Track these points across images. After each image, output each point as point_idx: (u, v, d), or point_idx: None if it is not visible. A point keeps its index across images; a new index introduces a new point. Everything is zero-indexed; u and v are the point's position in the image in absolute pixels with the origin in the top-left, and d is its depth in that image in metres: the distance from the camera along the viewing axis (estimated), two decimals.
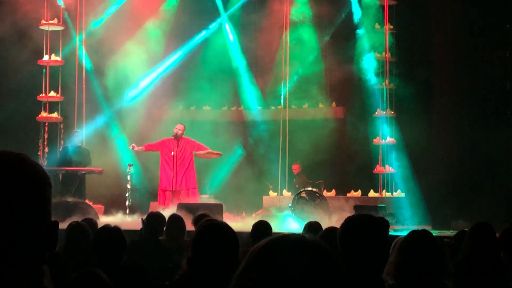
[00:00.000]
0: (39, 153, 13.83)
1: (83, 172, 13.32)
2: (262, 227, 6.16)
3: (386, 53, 14.36)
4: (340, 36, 15.81)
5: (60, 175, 13.19)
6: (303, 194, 12.89)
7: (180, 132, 13.63)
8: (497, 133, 13.67)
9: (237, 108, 17.04)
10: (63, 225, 5.33)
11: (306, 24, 15.94)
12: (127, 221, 11.42)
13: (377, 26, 14.59)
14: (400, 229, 11.15)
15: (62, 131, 14.47)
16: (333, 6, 15.89)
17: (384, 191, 13.98)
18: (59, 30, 14.29)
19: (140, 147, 13.54)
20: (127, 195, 13.34)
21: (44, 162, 13.64)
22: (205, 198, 14.66)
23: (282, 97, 15.37)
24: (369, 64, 14.82)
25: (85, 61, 15.04)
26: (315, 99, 16.42)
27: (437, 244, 3.26)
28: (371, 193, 13.97)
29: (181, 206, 11.89)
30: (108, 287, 3.36)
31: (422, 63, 15.15)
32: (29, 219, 1.41)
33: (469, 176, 14.41)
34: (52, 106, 14.32)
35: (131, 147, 13.53)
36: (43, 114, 14.11)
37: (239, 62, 16.49)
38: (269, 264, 1.28)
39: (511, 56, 12.95)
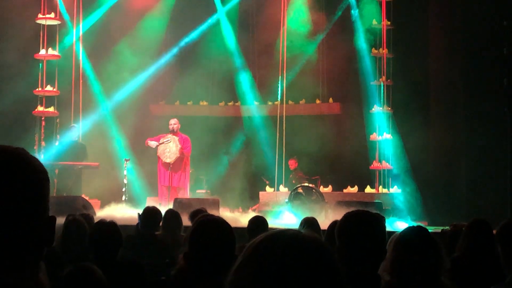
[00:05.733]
0: (35, 148, 13.79)
1: (80, 167, 13.31)
2: (258, 223, 6.17)
3: (383, 49, 14.36)
4: (337, 32, 15.80)
5: (57, 170, 13.17)
6: (300, 190, 12.89)
7: (176, 126, 13.70)
8: (494, 130, 13.70)
9: (234, 103, 17.04)
10: (59, 220, 5.32)
11: (303, 20, 15.92)
12: (124, 216, 11.41)
13: (374, 22, 14.58)
14: (396, 226, 11.16)
15: (58, 125, 14.44)
16: (331, 1, 15.89)
17: (380, 187, 14.00)
18: (56, 24, 14.25)
19: (153, 143, 13.61)
20: (123, 190, 13.35)
21: (40, 157, 13.61)
22: (202, 194, 14.68)
23: (279, 92, 15.36)
24: (366, 60, 14.82)
25: (82, 55, 15.02)
26: (312, 95, 16.42)
27: (433, 240, 3.26)
28: (368, 189, 13.98)
29: (177, 201, 11.90)
30: (102, 281, 3.36)
31: (419, 59, 15.15)
32: (27, 214, 1.41)
33: (466, 172, 14.44)
34: (49, 101, 14.30)
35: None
36: (40, 108, 14.08)
37: (236, 57, 16.47)
38: (265, 259, 1.28)
39: (508, 53, 12.95)
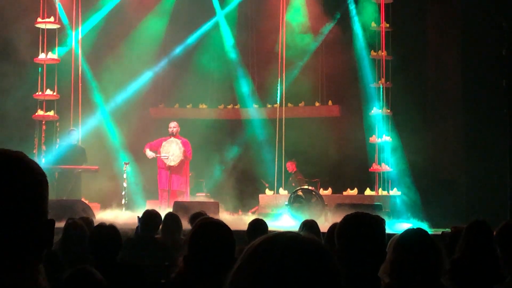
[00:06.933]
0: (35, 151, 13.79)
1: (79, 170, 13.31)
2: (258, 225, 6.17)
3: (382, 52, 14.36)
4: (336, 35, 15.81)
5: (56, 173, 13.18)
6: (300, 193, 12.89)
7: (175, 129, 13.71)
8: (493, 131, 13.70)
9: (233, 106, 17.04)
10: (59, 224, 5.33)
11: (302, 23, 15.93)
12: (123, 219, 11.42)
13: (373, 24, 14.59)
14: (396, 228, 11.16)
15: (58, 129, 14.44)
16: (329, 4, 15.89)
17: (380, 189, 13.99)
18: (55, 28, 14.26)
19: (150, 154, 13.65)
20: (123, 193, 13.35)
21: (41, 160, 13.61)
22: (202, 197, 14.68)
23: (278, 95, 15.37)
24: (365, 62, 14.83)
25: (81, 59, 15.02)
26: (311, 97, 16.43)
27: (433, 241, 3.26)
28: (368, 192, 13.98)
29: (177, 204, 11.90)
30: (101, 284, 3.36)
31: (418, 61, 15.17)
32: (26, 217, 1.41)
33: (465, 173, 14.44)
34: (49, 105, 14.31)
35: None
36: (40, 112, 14.09)
37: (235, 60, 16.48)
38: (265, 261, 1.28)
39: (507, 54, 12.95)
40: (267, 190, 14.65)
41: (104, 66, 15.61)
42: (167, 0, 16.43)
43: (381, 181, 14.06)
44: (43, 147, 14.00)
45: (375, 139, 14.35)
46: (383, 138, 14.21)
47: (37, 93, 14.08)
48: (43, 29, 14.08)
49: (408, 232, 3.41)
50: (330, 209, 12.23)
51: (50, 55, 14.10)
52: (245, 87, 16.56)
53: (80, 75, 14.85)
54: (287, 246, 1.31)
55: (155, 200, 14.08)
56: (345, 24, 15.45)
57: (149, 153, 13.70)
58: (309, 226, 6.16)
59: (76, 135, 13.95)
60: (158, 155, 13.57)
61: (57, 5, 14.50)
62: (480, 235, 4.69)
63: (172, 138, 13.65)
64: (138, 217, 6.81)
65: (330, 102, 16.32)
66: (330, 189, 14.27)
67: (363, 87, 14.96)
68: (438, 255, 3.22)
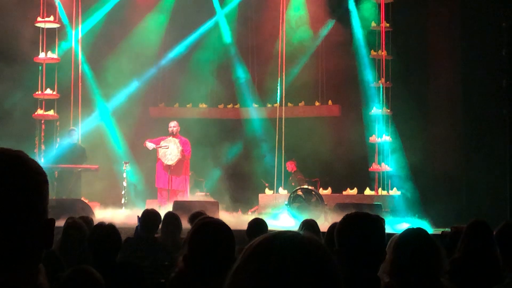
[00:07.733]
0: (35, 151, 13.80)
1: (79, 169, 13.32)
2: (257, 225, 6.18)
3: (382, 51, 14.36)
4: (336, 34, 15.80)
5: (56, 172, 13.18)
6: (299, 192, 12.88)
7: (175, 129, 13.71)
8: (493, 131, 13.71)
9: (233, 106, 17.04)
10: (59, 223, 5.32)
11: (302, 23, 15.93)
12: (123, 218, 11.41)
13: (373, 24, 14.59)
14: (396, 227, 11.16)
15: (58, 128, 14.45)
16: (330, 3, 15.89)
17: (380, 189, 13.99)
18: (55, 28, 14.26)
19: (150, 145, 13.67)
20: (123, 192, 13.35)
21: (40, 160, 13.62)
22: (201, 196, 14.68)
23: (278, 95, 15.36)
24: (365, 62, 14.83)
25: (81, 59, 15.01)
26: (311, 97, 16.43)
27: (433, 241, 3.26)
28: (367, 191, 13.98)
29: (177, 204, 11.90)
30: (100, 284, 3.36)
31: (418, 61, 15.17)
32: (26, 217, 1.41)
33: (465, 174, 14.45)
34: (48, 104, 14.31)
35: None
36: (40, 111, 14.09)
37: (235, 59, 16.48)
38: (264, 261, 1.28)
39: (507, 54, 12.97)
40: (267, 190, 14.64)
41: (104, 65, 15.60)
42: (167, 0, 16.43)
43: (381, 181, 14.07)
44: (43, 147, 14.00)
45: (375, 138, 14.35)
46: (383, 137, 14.21)
47: (37, 93, 14.08)
48: (43, 29, 14.08)
49: (408, 232, 3.41)
50: (330, 209, 12.23)
51: (50, 54, 14.11)
52: (245, 86, 16.56)
53: (80, 75, 14.85)
54: (287, 246, 1.31)
55: (154, 199, 14.08)
56: (345, 23, 15.44)
57: (149, 144, 13.69)
58: (309, 225, 6.16)
59: (76, 134, 13.95)
60: (158, 146, 13.57)
61: (57, 5, 14.50)
62: (480, 235, 4.69)
63: (171, 138, 13.65)
64: (138, 216, 6.80)
65: (330, 102, 16.32)
66: (330, 189, 14.27)
67: (363, 87, 14.96)
68: (438, 255, 3.22)
